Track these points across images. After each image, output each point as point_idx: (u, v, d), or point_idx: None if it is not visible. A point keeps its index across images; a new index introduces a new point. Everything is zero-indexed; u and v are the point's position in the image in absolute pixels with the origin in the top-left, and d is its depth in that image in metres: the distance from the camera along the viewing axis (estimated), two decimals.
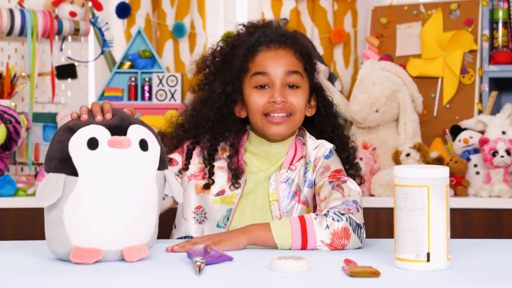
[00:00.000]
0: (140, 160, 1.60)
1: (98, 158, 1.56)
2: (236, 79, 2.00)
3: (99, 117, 1.61)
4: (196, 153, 2.03)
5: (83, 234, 1.56)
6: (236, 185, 1.98)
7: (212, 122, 2.01)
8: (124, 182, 1.57)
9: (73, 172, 1.56)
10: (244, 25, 2.09)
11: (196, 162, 2.02)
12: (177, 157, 2.03)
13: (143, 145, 1.61)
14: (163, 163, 1.65)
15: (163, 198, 1.96)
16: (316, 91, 2.06)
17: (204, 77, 2.10)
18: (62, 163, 1.56)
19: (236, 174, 1.98)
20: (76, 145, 1.57)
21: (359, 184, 2.02)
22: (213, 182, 1.99)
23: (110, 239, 1.57)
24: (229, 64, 2.03)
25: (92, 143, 1.57)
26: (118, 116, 1.62)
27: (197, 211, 2.00)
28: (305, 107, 2.01)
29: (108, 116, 1.62)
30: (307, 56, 2.02)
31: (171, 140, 2.06)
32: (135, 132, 1.61)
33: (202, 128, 2.03)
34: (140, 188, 1.59)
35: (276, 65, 1.97)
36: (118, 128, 1.60)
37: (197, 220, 1.99)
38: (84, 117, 1.61)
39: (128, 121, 1.62)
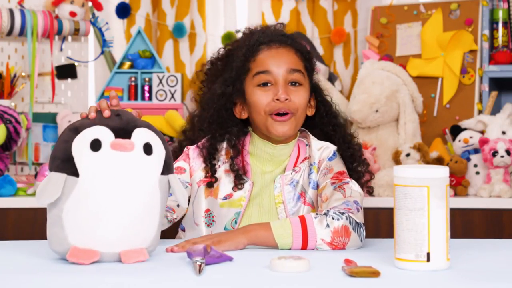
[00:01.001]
0: (142, 164, 1.59)
1: (100, 160, 1.56)
2: (236, 79, 2.00)
3: (107, 112, 1.61)
4: (202, 159, 2.02)
5: (81, 235, 1.56)
6: (240, 186, 1.97)
7: (210, 124, 2.02)
8: (124, 185, 1.57)
9: (74, 172, 1.56)
10: (242, 32, 2.10)
11: (202, 168, 2.02)
12: (183, 164, 2.03)
13: (147, 149, 1.60)
14: (168, 168, 1.64)
15: (178, 206, 1.96)
16: (315, 91, 2.06)
17: (203, 84, 2.11)
18: (65, 163, 1.56)
19: (239, 175, 1.98)
20: (79, 146, 1.57)
21: (369, 180, 2.03)
22: (216, 180, 1.99)
23: (108, 241, 1.57)
24: (229, 66, 2.03)
25: (95, 145, 1.57)
26: (124, 118, 1.62)
27: (205, 214, 2.00)
28: (307, 105, 2.01)
29: (114, 102, 1.63)
30: (307, 56, 2.03)
31: (177, 148, 2.09)
32: (140, 135, 1.61)
33: (201, 131, 2.04)
34: (141, 192, 1.59)
35: (278, 63, 1.97)
36: (123, 130, 1.59)
37: (205, 223, 2.00)
38: (93, 115, 1.61)
39: (134, 124, 1.62)
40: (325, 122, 2.07)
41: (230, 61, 2.04)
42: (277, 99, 1.94)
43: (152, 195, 1.61)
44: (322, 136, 2.06)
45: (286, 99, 1.94)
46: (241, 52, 2.01)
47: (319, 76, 2.12)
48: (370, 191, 2.05)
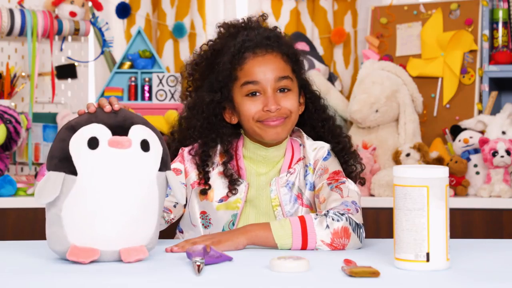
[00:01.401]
0: (140, 161, 1.60)
1: (98, 158, 1.56)
2: (224, 86, 1.98)
3: (108, 107, 1.61)
4: (195, 166, 2.02)
5: (80, 233, 1.57)
6: (234, 191, 1.97)
7: (200, 132, 2.00)
8: (123, 182, 1.57)
9: (72, 171, 1.56)
10: (224, 26, 2.06)
11: (196, 172, 2.01)
12: (179, 165, 2.02)
13: (145, 145, 1.61)
14: (165, 165, 1.64)
15: (174, 206, 1.96)
16: (304, 88, 2.05)
17: (189, 84, 2.09)
18: (62, 162, 1.57)
19: (232, 180, 1.97)
20: (77, 144, 1.57)
21: (360, 172, 2.02)
22: (210, 187, 1.98)
23: (107, 239, 1.57)
24: (214, 71, 2.00)
25: (92, 143, 1.57)
26: (121, 116, 1.62)
27: (202, 215, 2.00)
28: (298, 107, 2.00)
29: (116, 107, 1.62)
30: (294, 57, 2.00)
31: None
32: (137, 132, 1.61)
33: (190, 138, 2.02)
34: (139, 188, 1.59)
35: (265, 71, 1.95)
36: (120, 128, 1.60)
37: (203, 225, 2.00)
38: (93, 108, 1.62)
39: (131, 121, 1.62)
40: (314, 118, 2.06)
41: (215, 64, 2.00)
42: (268, 110, 1.93)
43: (150, 191, 1.61)
44: (312, 132, 2.05)
45: (278, 109, 1.94)
46: (226, 58, 1.97)
47: (311, 75, 2.11)
48: (362, 182, 2.04)
